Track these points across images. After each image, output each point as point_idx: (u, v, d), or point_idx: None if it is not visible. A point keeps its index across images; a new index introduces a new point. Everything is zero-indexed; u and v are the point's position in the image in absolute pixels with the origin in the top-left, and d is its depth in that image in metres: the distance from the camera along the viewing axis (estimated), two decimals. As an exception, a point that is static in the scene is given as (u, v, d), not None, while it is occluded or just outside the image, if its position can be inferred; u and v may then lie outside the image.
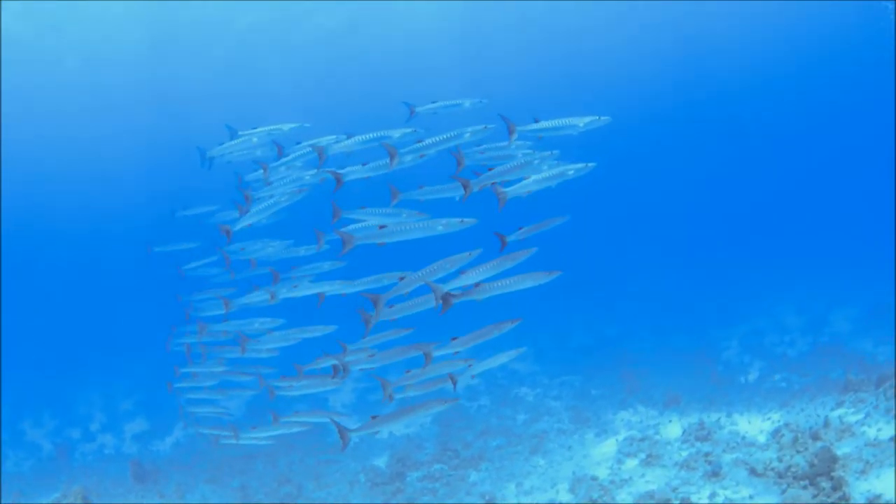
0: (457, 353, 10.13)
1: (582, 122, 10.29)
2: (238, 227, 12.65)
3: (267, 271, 13.48)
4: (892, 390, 14.51)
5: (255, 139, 13.33)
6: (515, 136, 10.51)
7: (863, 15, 41.76)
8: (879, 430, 13.62)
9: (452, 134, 10.44)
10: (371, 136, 11.04)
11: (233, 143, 13.40)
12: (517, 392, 26.23)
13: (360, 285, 11.56)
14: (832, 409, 15.67)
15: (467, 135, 10.44)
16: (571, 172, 10.10)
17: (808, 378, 22.30)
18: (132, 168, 58.59)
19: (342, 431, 10.27)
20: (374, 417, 10.11)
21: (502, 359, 10.51)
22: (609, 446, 17.39)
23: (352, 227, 10.55)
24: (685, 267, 45.90)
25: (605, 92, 51.10)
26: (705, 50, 51.65)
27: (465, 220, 9.62)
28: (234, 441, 14.69)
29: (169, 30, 40.36)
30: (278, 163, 12.47)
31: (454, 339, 9.96)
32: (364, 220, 10.62)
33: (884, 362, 22.07)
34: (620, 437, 17.52)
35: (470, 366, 10.43)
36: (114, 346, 46.11)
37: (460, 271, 9.49)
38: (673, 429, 17.54)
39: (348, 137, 11.38)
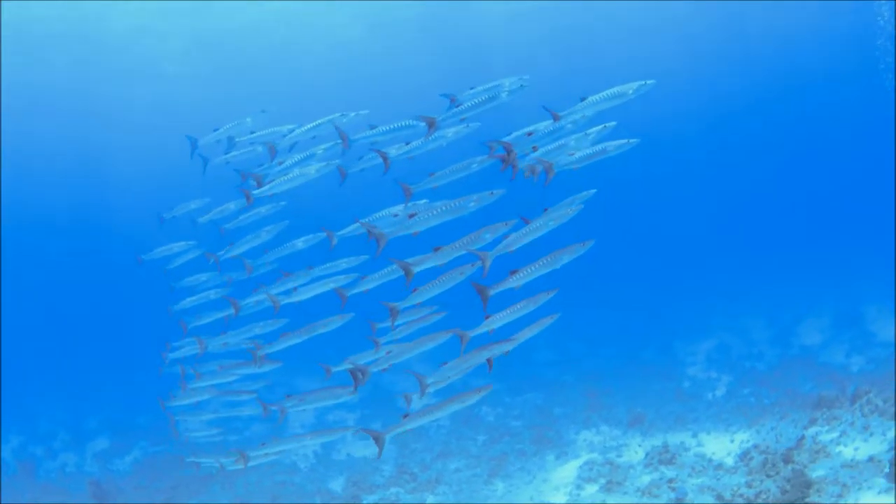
0: (492, 331, 9.54)
1: (631, 88, 9.83)
2: (261, 192, 12.11)
3: (259, 274, 13.13)
4: (869, 406, 13.60)
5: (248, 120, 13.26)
6: (560, 121, 10.01)
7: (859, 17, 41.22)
8: (856, 449, 12.81)
9: (490, 94, 10.17)
10: (399, 124, 10.77)
11: (228, 126, 13.34)
12: (478, 411, 25.33)
13: (372, 281, 11.12)
14: (805, 428, 14.83)
15: (504, 94, 10.19)
16: (612, 149, 9.91)
17: (778, 392, 21.51)
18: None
19: (377, 436, 9.65)
20: (405, 416, 9.50)
21: (536, 329, 9.63)
22: (569, 470, 16.64)
23: (372, 218, 10.59)
24: (650, 280, 45.29)
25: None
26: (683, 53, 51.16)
27: (495, 191, 9.40)
28: (240, 465, 13.03)
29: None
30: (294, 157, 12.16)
31: (487, 316, 9.37)
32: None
33: (857, 373, 21.63)
34: (581, 461, 16.80)
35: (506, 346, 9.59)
36: (86, 361, 45.26)
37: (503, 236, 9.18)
38: (636, 451, 16.81)
39: (372, 128, 11.05)
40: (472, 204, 9.42)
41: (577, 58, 48.05)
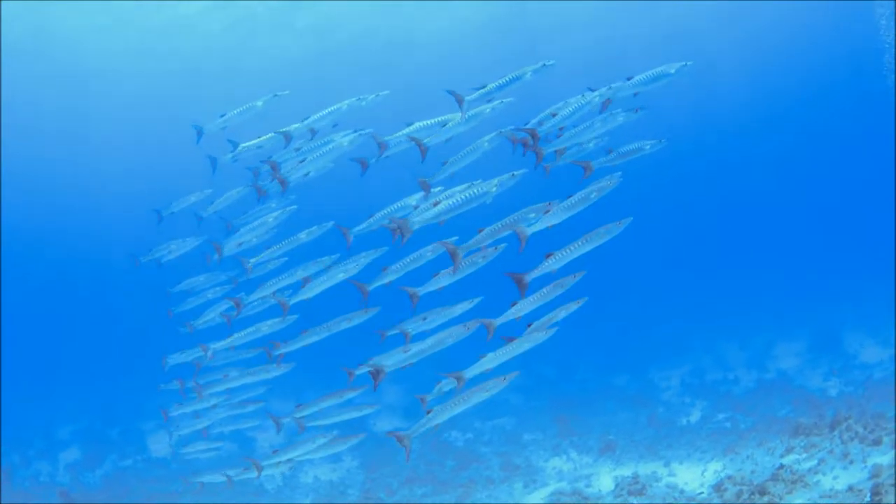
0: (519, 318, 9.32)
1: (673, 68, 10.19)
2: (294, 176, 11.83)
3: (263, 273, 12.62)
4: (849, 433, 12.93)
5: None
6: (609, 103, 10.27)
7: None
8: (836, 478, 12.21)
9: (514, 75, 10.10)
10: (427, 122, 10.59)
11: (236, 111, 13.04)
12: (447, 436, 24.83)
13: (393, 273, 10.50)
14: (781, 456, 14.18)
15: (528, 74, 10.14)
16: (648, 148, 10.21)
17: (755, 417, 21.09)
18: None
19: (401, 437, 9.46)
20: (429, 411, 9.26)
21: (564, 313, 9.45)
22: (537, 499, 16.07)
23: (389, 210, 10.54)
24: (624, 303, 44.62)
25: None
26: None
27: (516, 172, 9.35)
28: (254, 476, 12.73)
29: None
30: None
31: (514, 303, 9.20)
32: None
33: (836, 397, 21.19)
34: (550, 489, 16.30)
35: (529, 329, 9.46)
36: (67, 369, 44.98)
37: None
38: (605, 481, 16.25)
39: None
40: (493, 188, 9.32)
41: (601, 69, 47.72)
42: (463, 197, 9.40)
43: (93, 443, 29.06)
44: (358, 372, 10.74)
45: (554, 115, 10.21)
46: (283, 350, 11.77)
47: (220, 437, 15.51)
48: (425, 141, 10.36)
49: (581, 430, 23.06)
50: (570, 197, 9.05)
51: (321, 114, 11.95)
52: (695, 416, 23.17)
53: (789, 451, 14.44)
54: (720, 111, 57.02)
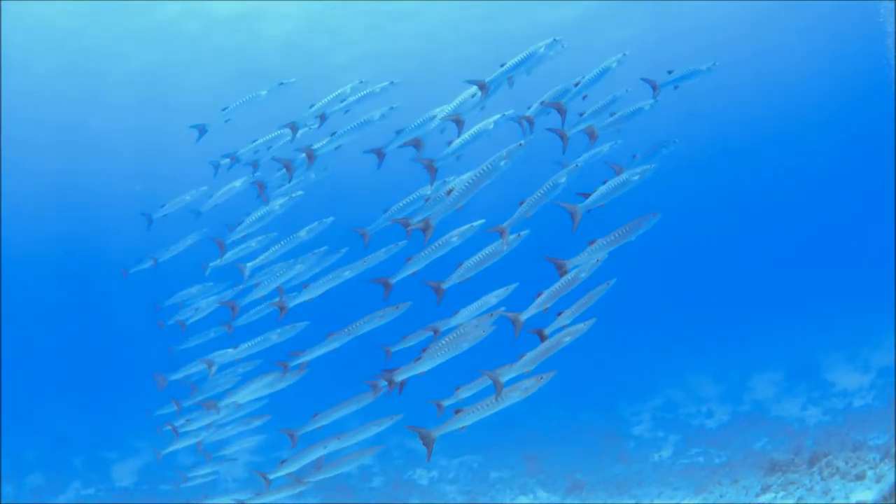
0: (546, 309, 9.09)
1: (705, 66, 10.92)
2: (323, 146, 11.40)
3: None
4: (829, 469, 12.01)
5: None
6: (658, 91, 10.80)
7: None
8: None
9: (529, 52, 10.09)
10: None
11: (241, 101, 12.84)
12: (412, 474, 24.53)
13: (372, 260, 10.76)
14: (757, 495, 13.37)
15: (541, 48, 10.14)
16: (647, 107, 10.56)
17: (730, 451, 20.77)
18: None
19: (425, 435, 8.75)
20: (457, 411, 8.72)
21: (592, 300, 9.25)
22: None
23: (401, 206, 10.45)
24: (593, 335, 43.80)
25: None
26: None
27: (522, 142, 9.15)
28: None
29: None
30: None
31: (539, 294, 9.03)
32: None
33: (815, 426, 20.84)
34: None
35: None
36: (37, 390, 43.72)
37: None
38: None
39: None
40: (502, 162, 9.09)
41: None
42: (475, 176, 9.13)
43: (56, 469, 28.52)
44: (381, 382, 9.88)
45: (576, 84, 10.44)
46: (306, 357, 10.79)
47: (223, 457, 14.46)
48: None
49: (549, 467, 22.62)
50: (617, 174, 9.35)
51: (329, 98, 11.91)
52: (666, 452, 22.82)
53: (765, 489, 13.70)
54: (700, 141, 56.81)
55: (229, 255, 12.55)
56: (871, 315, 30.17)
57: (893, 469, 12.48)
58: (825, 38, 43.06)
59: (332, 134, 11.32)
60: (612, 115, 10.59)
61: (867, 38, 34.99)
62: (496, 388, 8.60)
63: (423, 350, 9.26)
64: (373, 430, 10.32)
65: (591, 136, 10.36)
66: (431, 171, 9.79)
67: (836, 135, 56.80)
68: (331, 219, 11.67)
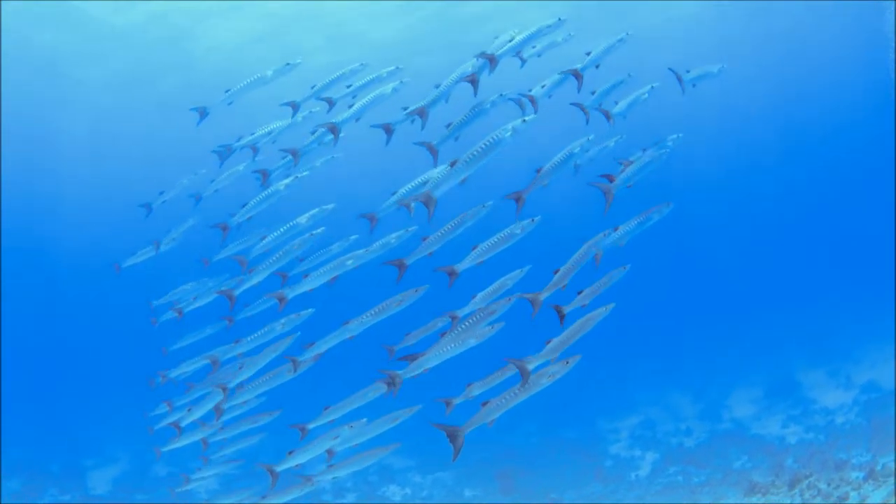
0: (564, 286, 9.16)
1: (716, 67, 11.82)
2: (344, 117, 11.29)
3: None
4: (811, 491, 11.56)
5: None
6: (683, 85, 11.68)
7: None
8: None
9: (536, 28, 10.53)
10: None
11: (245, 83, 12.67)
12: (385, 491, 24.44)
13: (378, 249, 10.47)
14: None
15: (544, 29, 10.63)
16: (670, 143, 10.49)
17: (709, 469, 20.61)
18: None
19: (453, 432, 8.23)
20: (484, 403, 8.31)
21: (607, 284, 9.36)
22: None
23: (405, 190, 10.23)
24: (569, 351, 43.48)
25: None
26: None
27: (527, 117, 9.15)
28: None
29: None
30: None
31: (556, 270, 9.14)
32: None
33: (796, 445, 20.64)
34: None
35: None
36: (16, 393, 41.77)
37: None
38: None
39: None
40: (507, 134, 9.03)
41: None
42: (479, 149, 9.03)
43: (33, 475, 28.00)
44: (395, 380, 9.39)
45: (588, 54, 11.02)
46: (321, 348, 10.24)
47: (226, 456, 13.46)
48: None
49: (524, 486, 22.50)
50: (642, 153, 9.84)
51: (331, 79, 11.89)
52: (644, 471, 22.64)
53: (747, 510, 13.16)
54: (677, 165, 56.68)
55: (230, 248, 12.28)
56: (852, 331, 30.15)
57: (878, 490, 12.09)
58: (825, 45, 43.19)
59: (351, 105, 11.20)
60: (615, 102, 11.07)
61: (867, 46, 35.27)
62: (523, 376, 8.27)
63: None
64: (389, 424, 9.82)
65: (607, 116, 10.84)
66: (433, 152, 9.82)
67: (816, 158, 57.01)
68: (332, 205, 11.44)
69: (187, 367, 12.95)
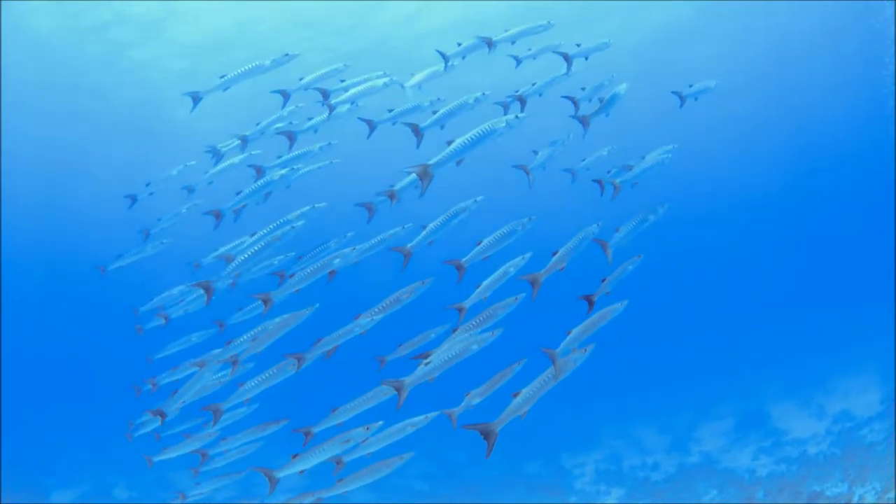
0: (563, 268, 9.78)
1: (713, 83, 12.68)
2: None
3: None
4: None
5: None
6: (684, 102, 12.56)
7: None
8: None
9: (528, 27, 11.82)
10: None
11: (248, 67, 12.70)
12: None
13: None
14: None
15: (539, 28, 12.09)
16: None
17: None
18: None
19: (487, 430, 8.32)
20: (515, 394, 8.55)
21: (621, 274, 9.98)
22: None
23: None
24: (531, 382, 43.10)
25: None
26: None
27: (520, 114, 9.72)
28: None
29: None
30: None
31: (604, 279, 9.80)
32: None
33: (766, 477, 20.39)
34: None
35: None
36: None
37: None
38: None
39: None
40: (502, 125, 9.53)
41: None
42: (476, 134, 9.46)
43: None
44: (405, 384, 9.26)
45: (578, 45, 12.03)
46: (330, 345, 9.94)
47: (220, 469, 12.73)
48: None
49: None
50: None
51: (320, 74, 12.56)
52: None
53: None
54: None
55: (221, 251, 12.02)
56: (824, 359, 29.90)
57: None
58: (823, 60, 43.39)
59: (349, 95, 12.04)
60: (600, 100, 11.43)
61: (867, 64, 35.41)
62: (553, 364, 8.56)
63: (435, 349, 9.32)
64: (405, 432, 9.51)
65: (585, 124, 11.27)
66: (418, 135, 10.40)
67: (785, 187, 57.37)
68: (323, 204, 11.45)
69: (179, 374, 12.33)
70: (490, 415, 8.47)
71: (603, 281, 9.61)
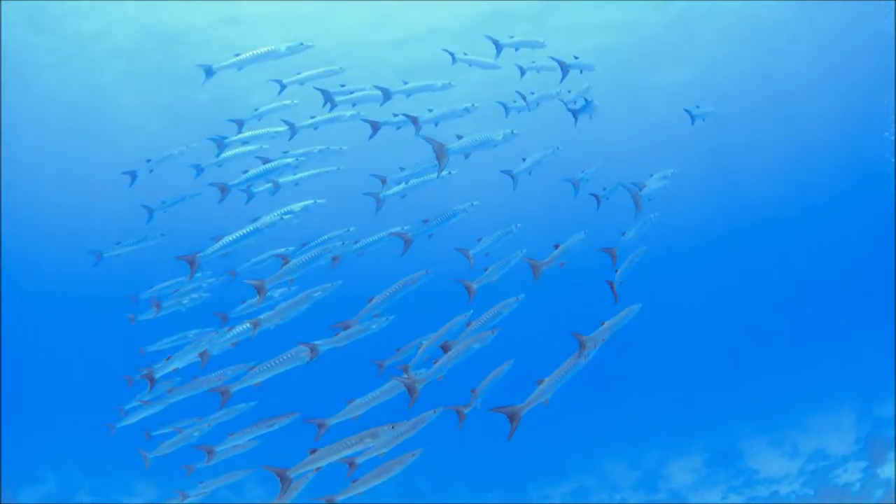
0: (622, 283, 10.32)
1: (713, 107, 13.33)
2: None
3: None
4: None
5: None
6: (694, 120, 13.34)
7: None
8: None
9: (530, 39, 12.89)
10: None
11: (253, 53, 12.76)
12: None
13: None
14: None
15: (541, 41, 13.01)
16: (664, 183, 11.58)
17: None
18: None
19: (512, 413, 8.56)
20: (540, 381, 8.80)
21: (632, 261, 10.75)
22: None
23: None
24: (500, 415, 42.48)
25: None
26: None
27: (516, 130, 10.71)
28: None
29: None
30: None
31: (557, 245, 10.35)
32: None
33: None
34: None
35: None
36: None
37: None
38: None
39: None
40: (499, 136, 10.49)
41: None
42: (476, 139, 10.32)
43: None
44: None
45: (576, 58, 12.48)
46: (355, 335, 10.16)
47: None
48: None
49: None
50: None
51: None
52: None
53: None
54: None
55: (219, 244, 11.19)
56: (798, 396, 29.76)
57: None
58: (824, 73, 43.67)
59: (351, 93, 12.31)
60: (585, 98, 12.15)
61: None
62: (581, 347, 8.89)
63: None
64: (417, 427, 9.21)
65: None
66: (416, 124, 10.86)
67: (759, 219, 57.53)
68: (323, 200, 11.50)
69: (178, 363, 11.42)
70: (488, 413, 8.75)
71: (618, 279, 10.23)
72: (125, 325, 13.06)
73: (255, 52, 12.55)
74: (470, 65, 12.82)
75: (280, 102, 13.03)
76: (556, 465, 30.72)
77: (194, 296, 12.62)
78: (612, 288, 10.11)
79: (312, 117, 12.39)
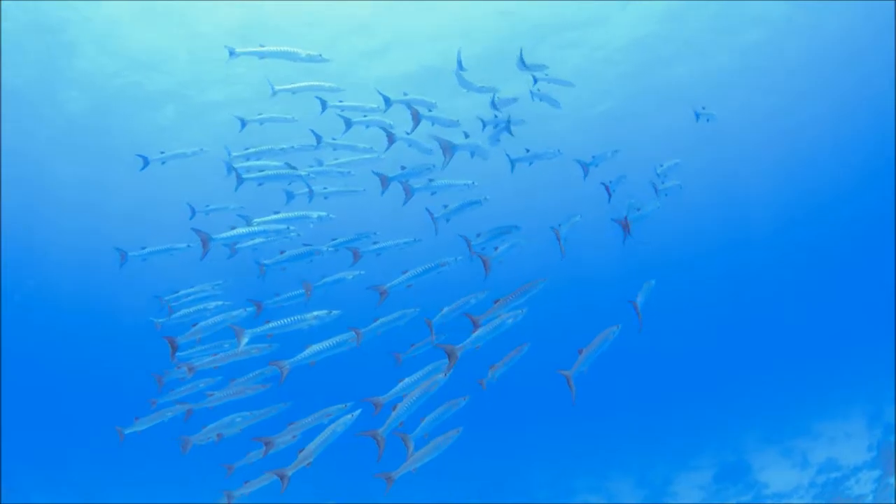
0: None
1: (715, 111, 13.24)
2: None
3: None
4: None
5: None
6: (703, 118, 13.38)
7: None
8: None
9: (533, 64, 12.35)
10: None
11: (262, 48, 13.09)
12: None
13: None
14: None
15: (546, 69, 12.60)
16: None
17: None
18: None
19: (567, 375, 9.59)
20: (581, 350, 9.72)
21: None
22: None
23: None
24: (502, 432, 41.51)
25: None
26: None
27: (496, 147, 11.36)
28: None
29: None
30: None
31: (554, 229, 10.80)
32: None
33: None
34: None
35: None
36: None
37: None
38: None
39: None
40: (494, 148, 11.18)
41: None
42: (477, 143, 10.95)
43: None
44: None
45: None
46: (384, 327, 10.39)
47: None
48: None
49: None
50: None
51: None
52: None
53: None
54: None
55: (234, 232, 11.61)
56: (807, 404, 29.30)
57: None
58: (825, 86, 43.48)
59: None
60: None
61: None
62: (637, 313, 10.08)
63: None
64: (451, 410, 9.80)
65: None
66: (415, 117, 11.25)
67: (757, 235, 57.40)
68: (335, 215, 11.80)
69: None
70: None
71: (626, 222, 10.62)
72: (128, 327, 12.88)
73: (276, 48, 12.87)
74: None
75: (282, 115, 13.47)
76: (560, 482, 30.47)
77: (218, 303, 12.26)
78: (635, 308, 10.34)
79: (334, 139, 12.66)
